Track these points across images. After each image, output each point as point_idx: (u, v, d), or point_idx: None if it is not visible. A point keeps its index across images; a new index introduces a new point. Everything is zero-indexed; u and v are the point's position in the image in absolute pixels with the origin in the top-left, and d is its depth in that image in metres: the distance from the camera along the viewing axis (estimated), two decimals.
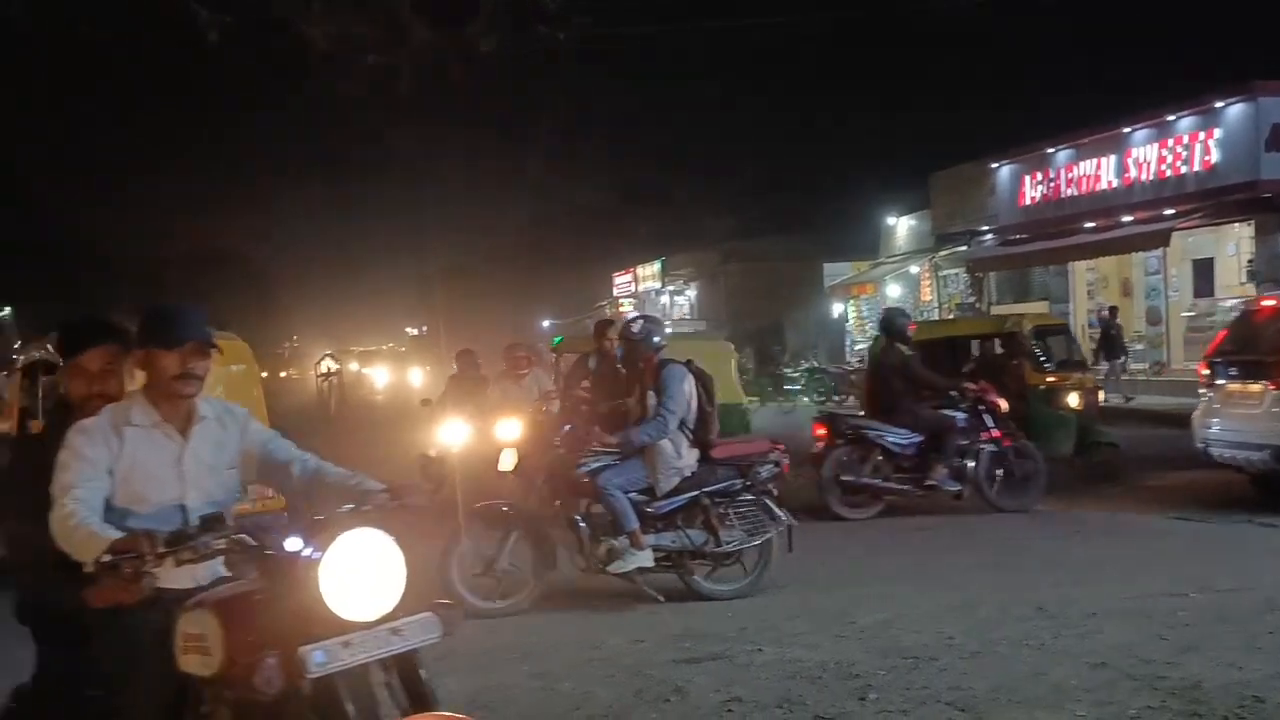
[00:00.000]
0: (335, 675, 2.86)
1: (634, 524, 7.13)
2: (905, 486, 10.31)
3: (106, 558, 2.77)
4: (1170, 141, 21.99)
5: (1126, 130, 23.04)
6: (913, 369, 10.48)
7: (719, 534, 7.32)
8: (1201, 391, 10.90)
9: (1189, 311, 23.11)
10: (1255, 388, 9.92)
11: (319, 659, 2.82)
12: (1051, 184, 25.36)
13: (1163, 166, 22.07)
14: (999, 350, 12.86)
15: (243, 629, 2.93)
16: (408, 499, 3.30)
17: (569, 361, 14.11)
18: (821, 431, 10.72)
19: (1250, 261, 21.29)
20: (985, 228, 27.89)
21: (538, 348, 15.63)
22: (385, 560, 2.99)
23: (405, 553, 3.06)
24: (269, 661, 2.80)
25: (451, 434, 10.97)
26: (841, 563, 8.61)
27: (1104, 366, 20.36)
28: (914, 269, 31.50)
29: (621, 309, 48.81)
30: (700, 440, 7.47)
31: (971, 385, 10.56)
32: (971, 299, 28.42)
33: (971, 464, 10.25)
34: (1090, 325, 24.18)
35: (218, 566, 3.33)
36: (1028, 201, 26.14)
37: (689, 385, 7.39)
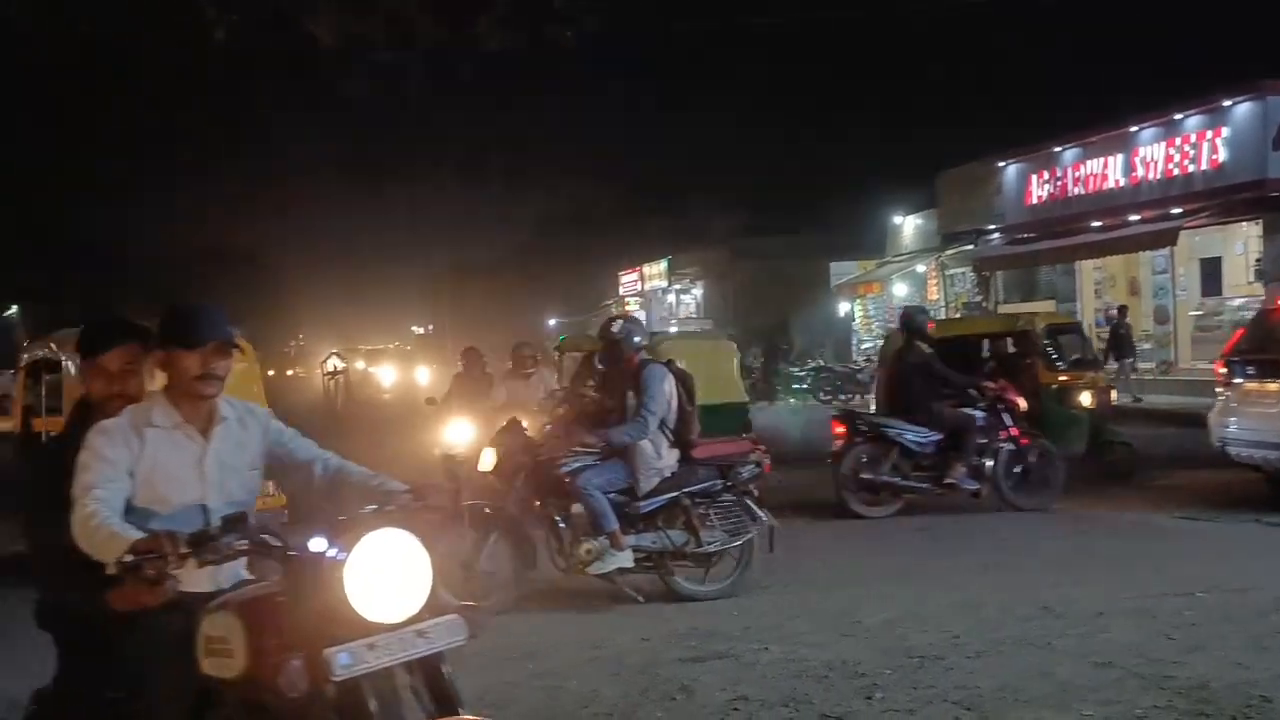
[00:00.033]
0: (360, 678, 2.82)
1: (614, 525, 7.10)
2: (924, 485, 10.30)
3: (128, 558, 2.73)
4: (1178, 140, 21.94)
5: (1134, 129, 23.00)
6: (933, 367, 10.48)
7: (700, 534, 7.29)
8: (1219, 390, 10.88)
9: (1196, 310, 23.04)
10: (1273, 386, 9.93)
11: (344, 661, 2.78)
12: (1058, 183, 25.32)
13: (1170, 165, 22.02)
14: (1011, 349, 12.83)
15: (266, 631, 2.90)
16: (431, 500, 3.28)
17: (571, 360, 14.12)
18: (840, 429, 10.73)
19: (1258, 260, 21.22)
20: (992, 227, 27.86)
21: (545, 346, 15.64)
22: (410, 561, 2.96)
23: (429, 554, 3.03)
24: (293, 664, 2.77)
25: (457, 433, 10.98)
26: (847, 562, 8.61)
27: (1113, 366, 20.31)
28: (920, 268, 31.47)
29: (628, 307, 48.84)
30: (681, 440, 7.44)
31: (991, 384, 10.56)
32: (978, 298, 28.38)
33: (990, 463, 10.24)
34: (1097, 325, 24.13)
35: (239, 569, 3.30)
36: (1034, 200, 26.10)
37: (669, 385, 7.36)
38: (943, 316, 27.80)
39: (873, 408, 12.85)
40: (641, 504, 7.28)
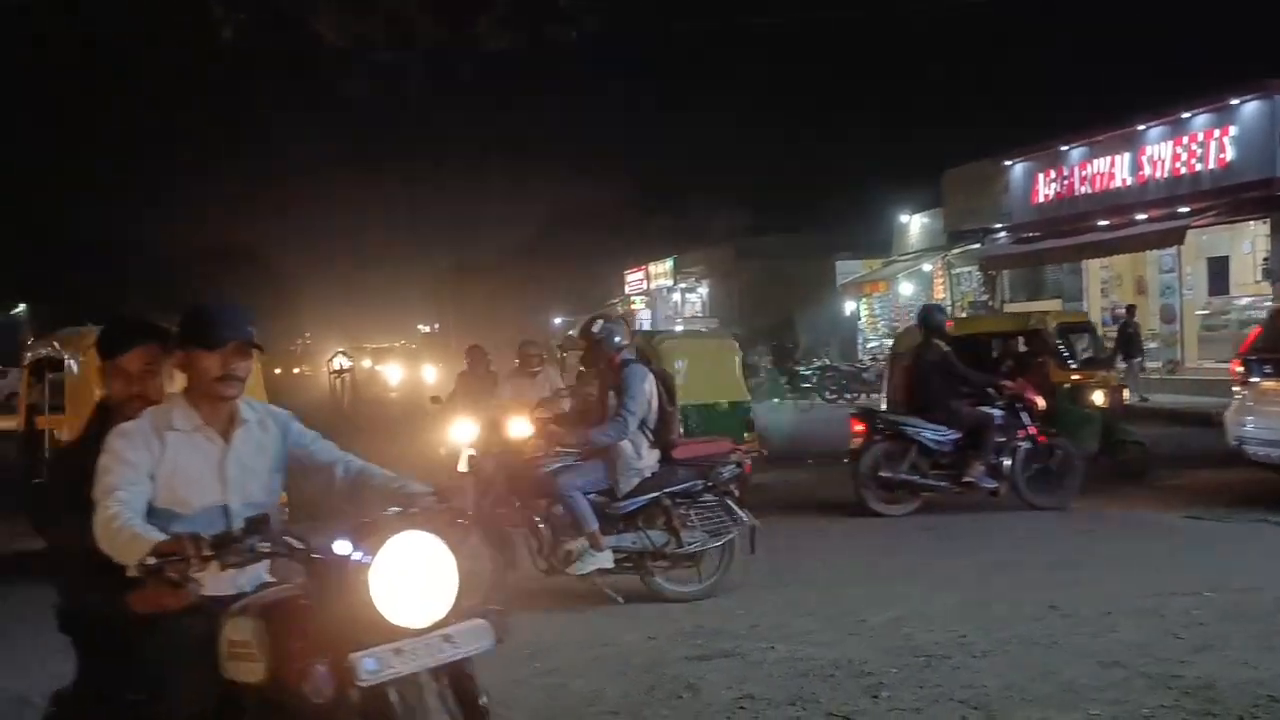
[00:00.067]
0: (386, 684, 2.78)
1: (593, 525, 7.08)
2: (942, 483, 10.29)
3: (150, 560, 2.70)
4: (1185, 139, 21.90)
5: (1141, 128, 22.95)
6: (952, 366, 10.47)
7: (680, 535, 7.26)
8: (1235, 390, 10.85)
9: (1203, 310, 23.00)
10: None
11: (370, 667, 2.74)
12: (1065, 182, 25.28)
13: (1177, 164, 21.98)
14: (1023, 348, 12.80)
15: (290, 635, 2.86)
16: (455, 501, 3.24)
17: (575, 358, 14.11)
18: (859, 427, 10.73)
19: (1266, 259, 21.18)
20: (998, 226, 27.82)
21: (550, 345, 15.63)
22: (436, 564, 2.92)
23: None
24: (319, 669, 2.72)
25: (461, 432, 10.98)
26: (853, 560, 8.60)
27: (1122, 366, 20.26)
28: (926, 267, 31.44)
29: (634, 306, 48.86)
30: (661, 441, 7.42)
31: (1009, 382, 10.54)
32: (984, 297, 28.35)
33: (1008, 462, 10.23)
34: (1105, 324, 24.08)
35: (261, 572, 3.27)
36: (1041, 199, 26.06)
37: (649, 385, 7.32)
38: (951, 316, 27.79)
39: (883, 406, 12.81)
40: (621, 504, 7.24)
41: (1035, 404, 10.38)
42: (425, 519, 3.05)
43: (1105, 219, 23.50)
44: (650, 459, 7.34)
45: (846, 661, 5.68)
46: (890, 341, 31.45)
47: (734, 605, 7.07)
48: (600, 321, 7.64)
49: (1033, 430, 10.30)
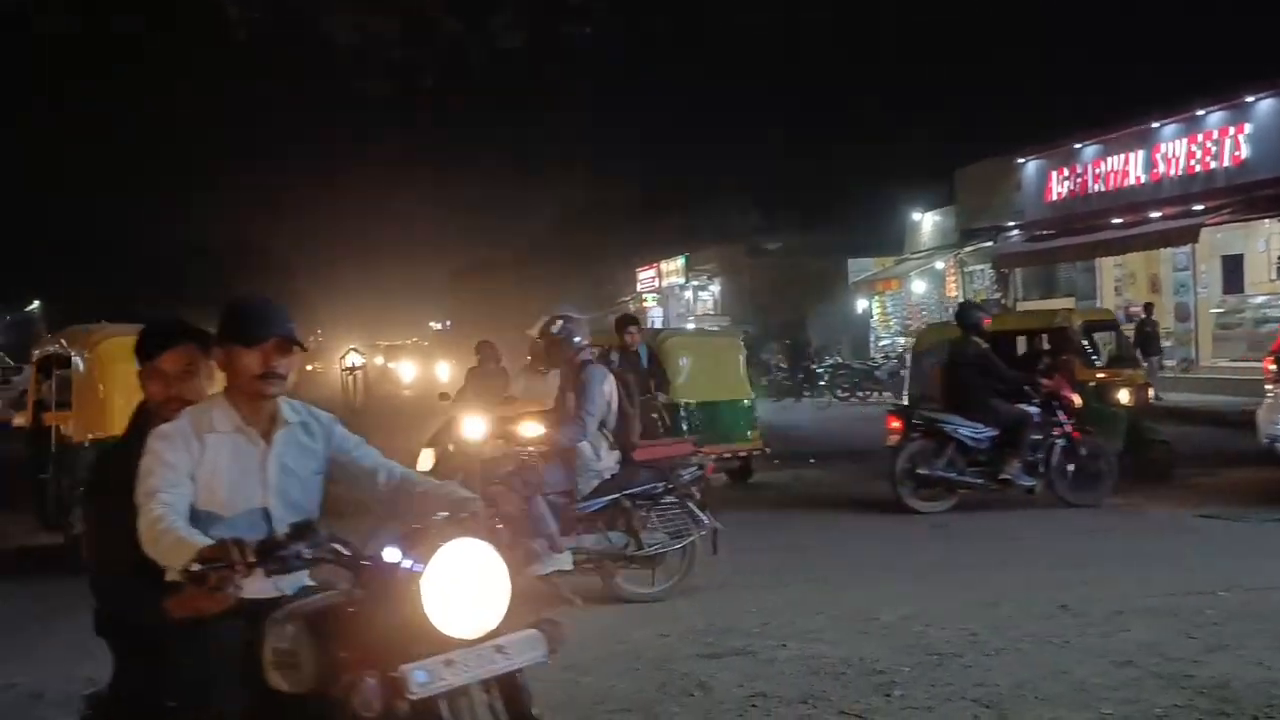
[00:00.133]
0: (436, 697, 2.69)
1: (551, 526, 6.99)
2: (979, 481, 10.28)
3: (195, 566, 2.63)
4: (1200, 137, 21.81)
5: (1155, 125, 22.88)
6: (990, 363, 10.46)
7: (640, 537, 7.21)
8: (1268, 388, 10.80)
9: (1218, 308, 22.90)
10: None
11: (420, 679, 2.64)
12: (1079, 179, 25.20)
13: (1192, 162, 21.89)
14: (1046, 346, 12.75)
15: (336, 644, 2.77)
16: (503, 507, 3.18)
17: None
18: (896, 424, 10.73)
19: None
20: (1011, 223, 27.75)
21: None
22: (488, 573, 2.84)
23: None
24: (368, 682, 2.63)
25: (470, 428, 10.98)
26: (865, 559, 8.60)
27: (1141, 365, 20.18)
28: (939, 265, 31.37)
29: (645, 304, 48.86)
30: (621, 442, 7.38)
31: (1046, 380, 10.53)
32: (997, 295, 28.28)
33: (1045, 459, 10.23)
34: (1120, 322, 23.98)
35: (302, 575, 3.16)
36: (1054, 197, 25.99)
37: (609, 386, 7.27)
38: None
39: (904, 404, 12.78)
40: (581, 506, 7.19)
41: (1071, 401, 10.37)
42: (474, 525, 2.99)
43: (1119, 217, 23.42)
44: (610, 460, 7.28)
45: (858, 659, 5.68)
46: (903, 340, 31.57)
47: (745, 603, 7.07)
48: (560, 321, 7.53)
49: (1069, 428, 10.30)
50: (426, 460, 7.59)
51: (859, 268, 36.09)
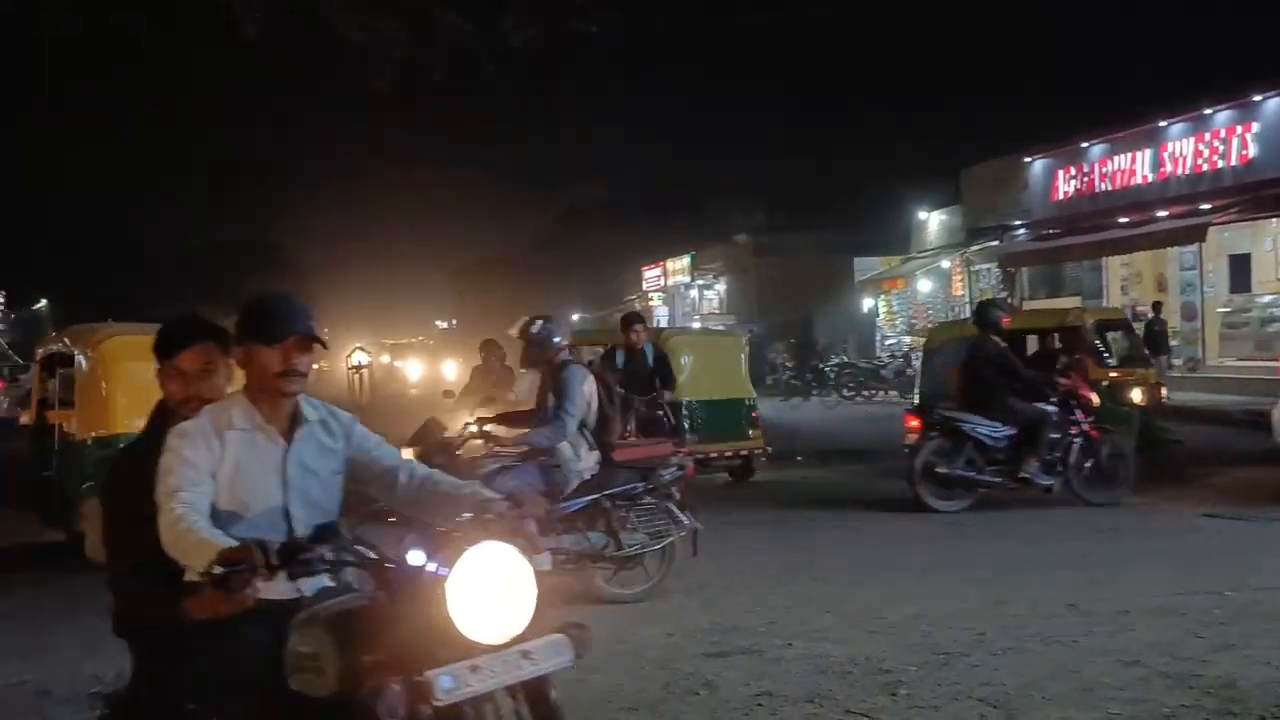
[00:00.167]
0: (462, 703, 2.65)
1: (530, 527, 6.95)
2: (998, 479, 10.27)
3: (217, 569, 2.59)
4: (1207, 135, 21.77)
5: (1162, 124, 22.84)
6: (1009, 362, 10.45)
7: (619, 537, 7.18)
8: None
9: (1225, 307, 22.86)
10: None
11: (446, 685, 2.61)
12: (1085, 178, 25.16)
13: (1199, 161, 21.85)
14: (1058, 345, 12.73)
15: (360, 648, 2.73)
16: (530, 508, 3.13)
17: (594, 354, 14.10)
18: (914, 423, 10.71)
19: None
20: (1018, 222, 27.71)
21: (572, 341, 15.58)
22: (514, 577, 2.79)
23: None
24: (393, 687, 2.59)
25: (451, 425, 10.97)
26: (871, 558, 8.59)
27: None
28: (945, 264, 31.34)
29: (651, 303, 48.85)
30: (601, 443, 7.35)
31: (1065, 379, 10.52)
32: (1004, 294, 28.24)
33: (1063, 457, 10.23)
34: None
35: (322, 576, 3.08)
36: (1061, 196, 25.95)
37: (589, 387, 7.24)
38: (967, 314, 27.71)
39: (915, 402, 12.77)
40: (560, 506, 7.12)
41: (1090, 400, 10.36)
42: (500, 527, 2.95)
43: (1126, 216, 23.39)
44: (590, 461, 7.24)
45: (864, 659, 5.67)
46: (909, 339, 31.54)
47: (751, 602, 7.07)
48: (539, 322, 7.50)
49: (1087, 426, 10.29)
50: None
51: (865, 267, 36.07)
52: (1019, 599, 6.81)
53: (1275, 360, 18.20)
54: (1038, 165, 26.83)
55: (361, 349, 35.69)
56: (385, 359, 49.99)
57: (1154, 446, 11.69)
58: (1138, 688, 5.08)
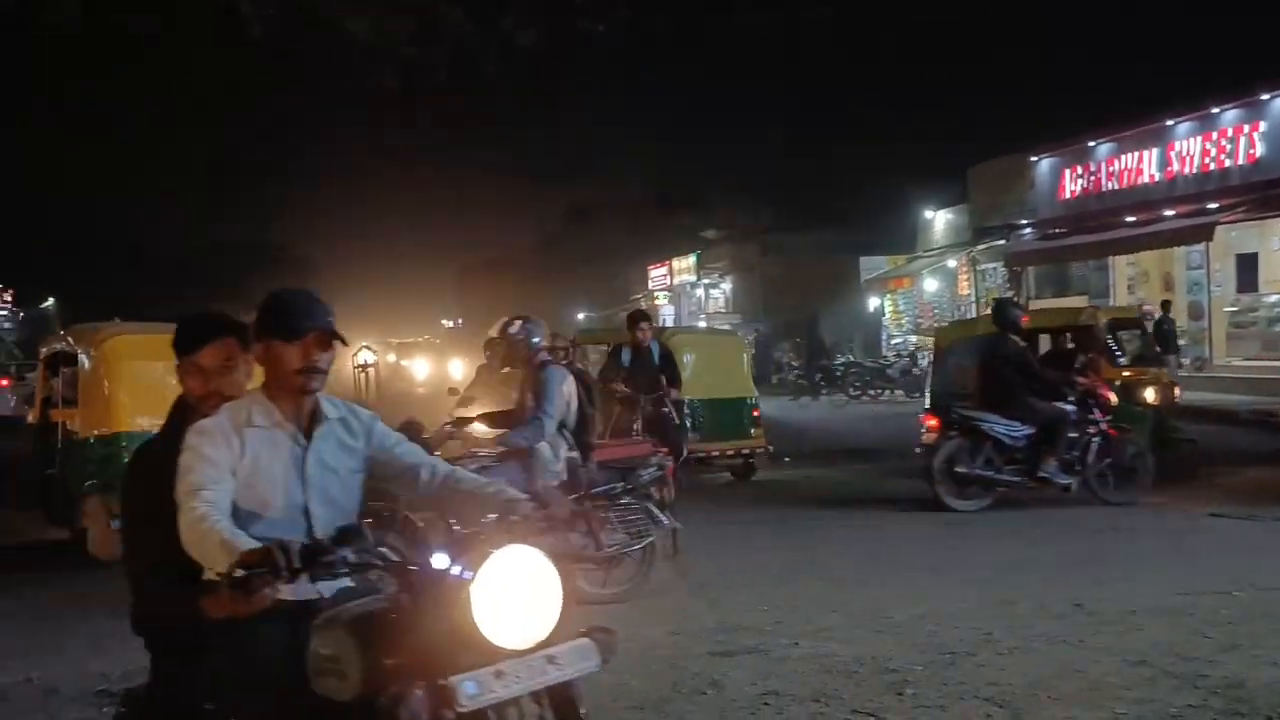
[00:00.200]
0: (486, 709, 2.61)
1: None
2: (1017, 479, 10.26)
3: (239, 572, 2.55)
4: (1214, 134, 21.72)
5: (1169, 123, 22.79)
6: (1027, 361, 10.44)
7: (599, 537, 7.14)
8: None
9: (1232, 307, 22.81)
10: None
11: (470, 691, 2.56)
12: (1092, 177, 25.11)
13: (1206, 160, 21.80)
14: (1070, 344, 12.70)
15: (382, 651, 2.69)
16: (555, 509, 3.09)
17: (599, 353, 14.12)
18: (932, 422, 10.71)
19: None
20: (1024, 222, 27.68)
21: (577, 340, 15.61)
22: (540, 581, 2.75)
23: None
24: (416, 693, 2.55)
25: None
26: (876, 557, 8.59)
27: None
28: (951, 263, 31.30)
29: (657, 302, 48.86)
30: (581, 443, 7.32)
31: (1083, 378, 10.50)
32: (1010, 293, 28.20)
33: (1081, 457, 10.22)
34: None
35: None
36: (1068, 195, 25.91)
37: (568, 387, 7.20)
38: (974, 313, 27.70)
39: (927, 401, 12.75)
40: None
41: (1108, 399, 10.35)
42: (526, 529, 2.92)
43: (1133, 215, 23.35)
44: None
45: (870, 658, 5.66)
46: (914, 338, 31.51)
47: (756, 601, 7.06)
48: (518, 323, 7.46)
49: (1105, 426, 10.28)
50: None
51: (871, 266, 36.04)
52: (1025, 598, 6.80)
53: None
54: (1044, 164, 26.79)
55: (368, 348, 35.73)
56: (392, 358, 50.03)
57: (1167, 446, 11.64)
58: (1144, 687, 5.07)
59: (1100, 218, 24.30)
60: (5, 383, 28.10)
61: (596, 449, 7.49)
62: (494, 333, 8.38)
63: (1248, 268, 22.85)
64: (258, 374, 3.27)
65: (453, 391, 13.41)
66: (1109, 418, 10.35)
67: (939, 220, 33.00)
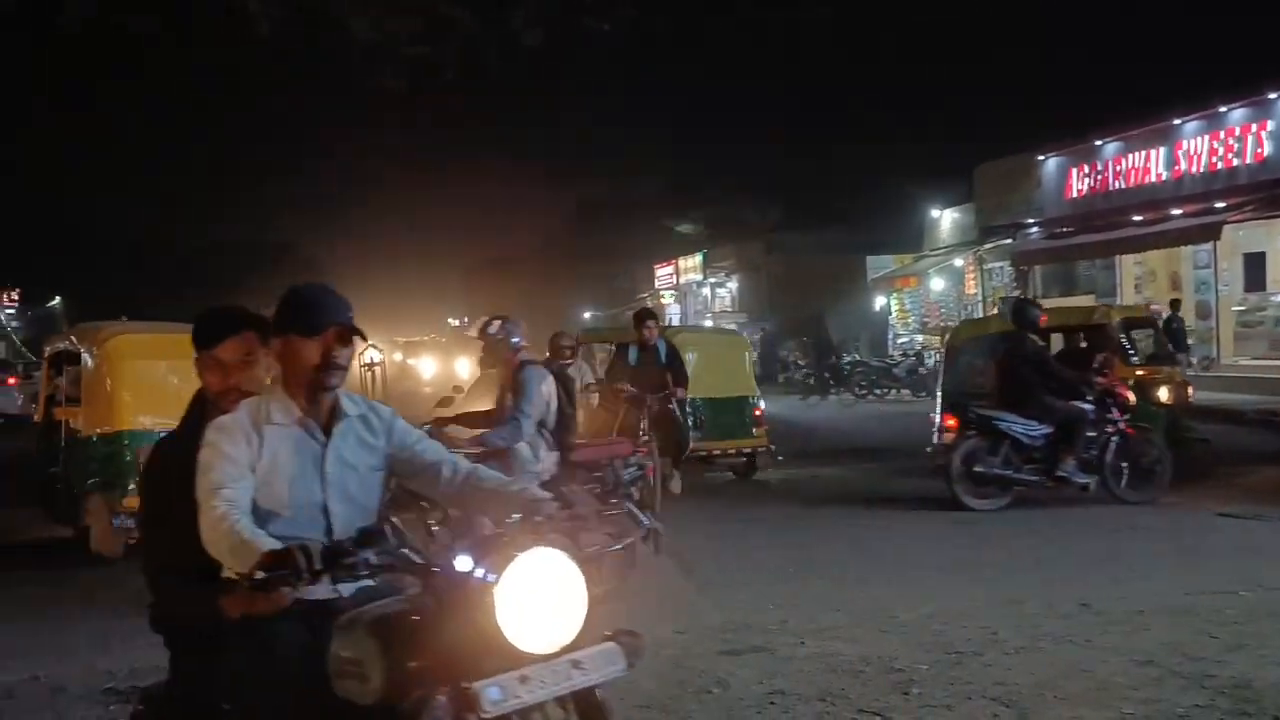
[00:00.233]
0: (511, 714, 2.57)
1: (488, 528, 6.89)
2: (1035, 478, 10.23)
3: (259, 574, 2.53)
4: (1222, 133, 21.68)
5: (1177, 122, 22.75)
6: (1046, 361, 10.42)
7: (579, 538, 7.15)
8: None
9: (1239, 306, 22.76)
10: None
11: (494, 696, 2.51)
12: (1099, 176, 25.07)
13: (1214, 159, 21.76)
14: (1083, 343, 12.66)
15: (404, 654, 2.66)
16: (580, 508, 3.07)
17: (587, 350, 14.11)
18: (950, 422, 10.69)
19: None
20: (1031, 221, 27.63)
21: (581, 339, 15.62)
22: (565, 584, 2.71)
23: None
24: (439, 699, 2.51)
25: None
26: (882, 556, 8.58)
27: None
28: (958, 262, 31.26)
29: (663, 301, 48.85)
30: (561, 443, 7.30)
31: (1101, 377, 10.48)
32: (1016, 292, 28.16)
33: (1099, 456, 10.21)
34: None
35: None
36: (1074, 194, 25.87)
37: (547, 387, 7.17)
38: (980, 312, 27.67)
39: (938, 399, 12.72)
40: None
41: (1126, 399, 10.34)
42: (550, 529, 2.89)
43: (1140, 214, 23.30)
44: (549, 461, 7.17)
45: (876, 657, 5.66)
46: (921, 337, 31.47)
47: (762, 600, 7.06)
48: (497, 322, 7.41)
49: (1123, 425, 10.27)
50: None
51: (877, 265, 35.99)
52: (1032, 598, 6.79)
53: None
54: (1051, 163, 26.75)
55: (374, 346, 35.76)
56: (398, 357, 50.08)
57: (1180, 445, 11.60)
58: (1151, 687, 5.06)
59: (1107, 217, 24.25)
60: (13, 381, 28.21)
61: (576, 449, 7.45)
62: (473, 333, 8.35)
63: (1255, 267, 22.81)
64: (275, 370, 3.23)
65: (457, 390, 13.39)
66: (1127, 417, 10.32)
67: (945, 219, 32.95)
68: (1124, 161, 24.34)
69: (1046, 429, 10.18)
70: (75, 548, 9.33)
